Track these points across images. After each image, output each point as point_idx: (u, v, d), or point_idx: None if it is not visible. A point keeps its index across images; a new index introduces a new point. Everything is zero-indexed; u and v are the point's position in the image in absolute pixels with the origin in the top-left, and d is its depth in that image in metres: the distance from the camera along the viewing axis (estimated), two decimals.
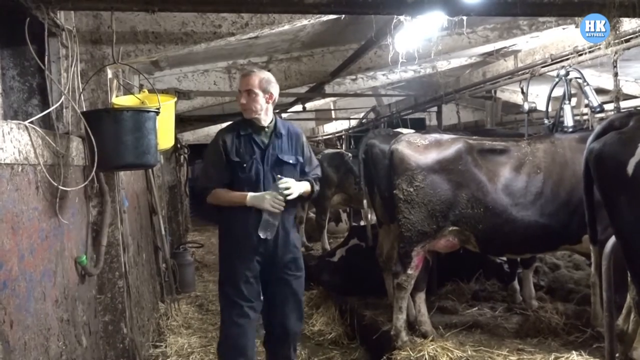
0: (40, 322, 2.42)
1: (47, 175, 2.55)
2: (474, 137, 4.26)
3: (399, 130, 6.25)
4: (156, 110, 3.17)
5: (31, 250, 2.37)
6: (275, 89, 3.67)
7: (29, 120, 2.42)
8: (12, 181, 2.21)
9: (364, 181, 5.21)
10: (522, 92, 5.47)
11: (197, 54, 5.60)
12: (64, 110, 3.24)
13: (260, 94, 3.58)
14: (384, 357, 4.12)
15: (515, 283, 5.10)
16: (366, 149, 5.07)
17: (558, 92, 4.90)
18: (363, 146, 5.14)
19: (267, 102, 3.62)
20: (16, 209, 2.23)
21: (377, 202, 5.03)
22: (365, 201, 5.28)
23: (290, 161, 3.67)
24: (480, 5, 3.23)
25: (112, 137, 2.96)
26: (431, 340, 4.03)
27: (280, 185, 3.47)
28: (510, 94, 9.83)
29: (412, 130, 5.90)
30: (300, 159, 3.72)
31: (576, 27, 4.03)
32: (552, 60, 5.23)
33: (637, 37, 4.12)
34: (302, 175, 3.72)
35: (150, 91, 3.43)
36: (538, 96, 8.57)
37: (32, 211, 2.43)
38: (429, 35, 4.49)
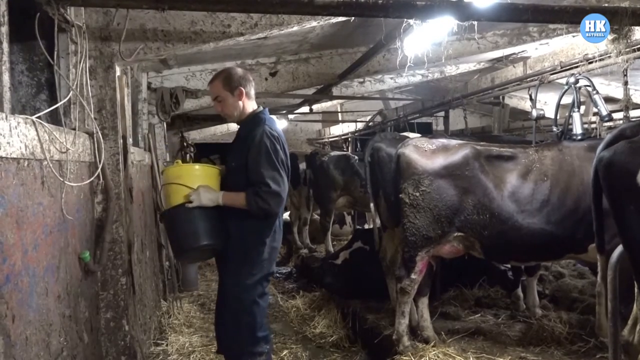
0: (42, 318, 2.42)
1: (53, 171, 2.55)
2: (482, 143, 4.24)
3: (405, 134, 6.24)
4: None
5: (35, 245, 2.37)
6: (245, 82, 3.46)
7: (36, 115, 2.42)
8: (18, 176, 2.21)
9: (369, 184, 5.19)
10: (531, 99, 5.44)
11: (206, 53, 5.61)
12: (72, 105, 3.25)
13: (229, 95, 3.45)
14: None
15: (519, 290, 5.07)
16: (372, 152, 5.05)
17: (566, 99, 4.88)
18: (369, 149, 5.12)
19: (240, 100, 3.47)
20: (21, 204, 2.23)
21: (382, 205, 5.02)
22: (372, 205, 5.26)
23: (233, 164, 3.48)
24: (490, 10, 3.22)
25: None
26: (433, 346, 4.00)
27: None
28: (518, 100, 9.82)
29: (419, 135, 5.88)
30: (246, 162, 3.36)
31: None
32: (561, 68, 5.23)
33: None
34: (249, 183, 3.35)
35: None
36: (546, 103, 8.56)
37: (37, 206, 2.43)
38: (438, 40, 4.48)
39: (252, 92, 3.57)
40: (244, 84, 3.48)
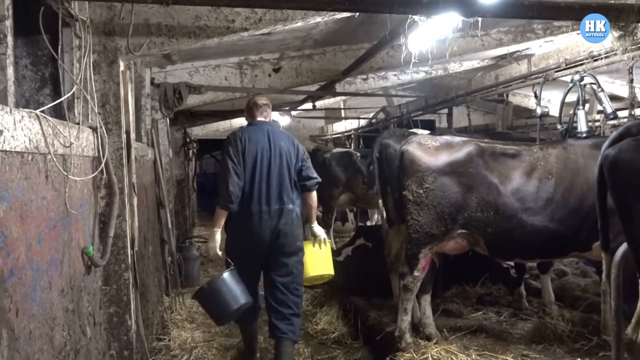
0: (45, 312, 2.42)
1: (57, 165, 2.55)
2: (486, 140, 4.23)
3: (413, 130, 6.21)
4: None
5: (39, 239, 2.37)
6: (245, 111, 4.52)
7: (40, 110, 2.42)
8: (22, 170, 2.21)
9: (377, 181, 5.17)
10: (535, 97, 5.41)
11: (210, 48, 5.60)
12: (76, 100, 3.25)
13: None
14: (387, 359, 4.09)
15: (522, 288, 5.06)
16: (380, 149, 5.03)
17: (571, 97, 4.85)
18: (377, 146, 5.09)
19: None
20: (25, 198, 2.23)
21: (389, 202, 5.00)
22: (380, 201, 5.24)
23: None
24: (496, 6, 3.19)
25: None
26: (435, 343, 4.00)
27: None
28: (522, 98, 9.75)
29: (427, 131, 5.85)
30: None
31: None
32: (566, 65, 5.18)
33: None
34: None
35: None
36: (550, 101, 8.51)
37: (41, 200, 2.43)
38: (443, 37, 4.45)
39: (251, 114, 4.41)
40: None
